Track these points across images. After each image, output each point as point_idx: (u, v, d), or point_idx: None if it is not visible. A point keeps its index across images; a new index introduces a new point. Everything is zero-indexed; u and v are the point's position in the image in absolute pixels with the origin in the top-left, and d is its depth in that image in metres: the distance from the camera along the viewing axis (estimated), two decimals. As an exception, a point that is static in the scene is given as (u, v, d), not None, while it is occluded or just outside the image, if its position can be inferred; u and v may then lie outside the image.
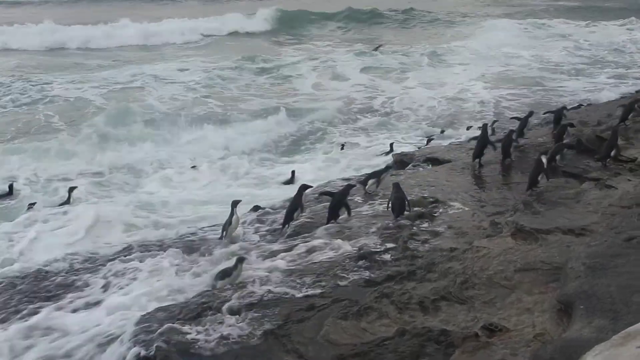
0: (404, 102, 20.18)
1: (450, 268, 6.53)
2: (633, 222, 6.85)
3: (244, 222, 9.28)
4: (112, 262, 8.42)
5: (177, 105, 19.68)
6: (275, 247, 8.05)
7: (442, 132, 16.28)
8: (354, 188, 9.23)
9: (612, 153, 9.73)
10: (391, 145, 15.10)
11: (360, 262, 6.99)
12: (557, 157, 9.89)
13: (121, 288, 7.71)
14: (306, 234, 8.32)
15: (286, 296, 6.40)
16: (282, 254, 7.60)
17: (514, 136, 10.82)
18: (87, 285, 7.87)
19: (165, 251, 8.58)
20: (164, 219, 11.17)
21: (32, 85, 21.36)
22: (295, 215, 8.71)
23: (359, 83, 22.89)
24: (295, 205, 8.73)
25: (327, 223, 8.51)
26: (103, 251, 9.20)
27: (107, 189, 13.21)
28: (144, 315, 6.41)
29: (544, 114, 14.30)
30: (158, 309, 6.58)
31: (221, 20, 34.53)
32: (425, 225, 8.04)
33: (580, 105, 16.24)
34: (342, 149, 15.67)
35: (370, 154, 15.14)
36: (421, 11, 38.48)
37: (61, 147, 15.54)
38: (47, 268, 8.52)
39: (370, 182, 9.58)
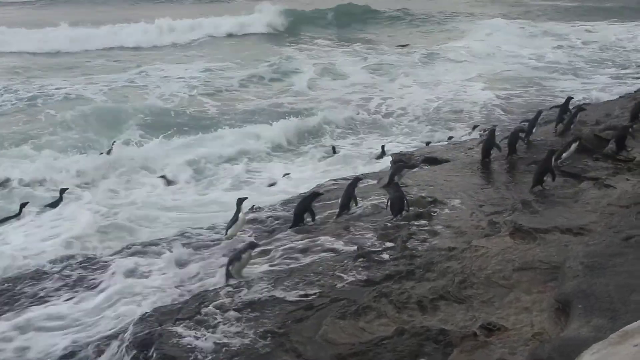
0: (400, 102, 20.16)
1: (448, 267, 6.54)
2: (631, 222, 6.86)
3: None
4: (110, 261, 8.43)
5: (172, 106, 19.66)
6: (274, 245, 8.05)
7: (450, 138, 16.08)
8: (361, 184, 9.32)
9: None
10: (382, 147, 15.10)
11: (359, 262, 6.99)
12: (564, 155, 9.95)
13: (120, 286, 7.72)
14: (305, 233, 8.32)
15: (285, 296, 6.40)
16: (281, 253, 7.60)
17: (522, 135, 10.98)
18: (84, 284, 7.88)
19: (162, 251, 8.59)
20: (161, 219, 11.18)
21: (34, 87, 21.34)
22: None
23: (357, 82, 22.91)
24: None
25: (292, 227, 8.67)
26: (99, 251, 9.22)
27: (102, 189, 13.15)
28: (143, 315, 6.41)
29: (551, 108, 14.33)
30: (157, 309, 6.59)
31: (219, 21, 34.45)
32: (424, 224, 8.04)
33: (569, 98, 16.18)
34: (334, 152, 15.58)
35: (366, 156, 15.14)
36: (416, 10, 38.38)
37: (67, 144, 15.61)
38: (44, 268, 8.53)
39: (396, 178, 9.69)
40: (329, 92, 21.68)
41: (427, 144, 15.05)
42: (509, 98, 20.27)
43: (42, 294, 7.72)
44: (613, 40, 30.78)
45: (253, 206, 10.67)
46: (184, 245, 8.77)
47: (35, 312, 7.21)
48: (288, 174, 13.93)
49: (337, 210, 8.88)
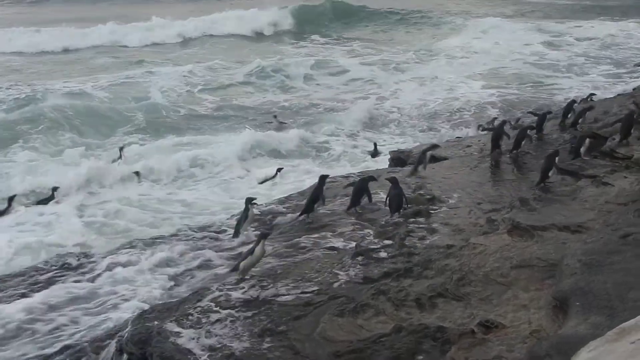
0: (395, 102, 20.14)
1: (446, 265, 6.54)
2: (629, 219, 6.86)
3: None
4: (109, 257, 8.44)
5: (170, 105, 19.63)
6: (272, 243, 8.04)
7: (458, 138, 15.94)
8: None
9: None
10: (375, 145, 15.07)
11: (357, 259, 6.99)
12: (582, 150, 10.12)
13: (117, 284, 7.72)
14: (303, 232, 8.32)
15: (282, 293, 6.40)
16: (279, 251, 7.60)
17: (529, 132, 11.14)
18: (79, 283, 7.88)
19: (160, 248, 8.60)
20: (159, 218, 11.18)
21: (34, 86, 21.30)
22: (316, 205, 8.70)
23: (353, 80, 22.88)
24: (317, 195, 8.70)
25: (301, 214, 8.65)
26: (95, 249, 9.21)
27: (98, 188, 13.12)
28: (141, 313, 6.41)
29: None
30: (155, 306, 6.59)
31: (217, 20, 34.34)
32: (422, 222, 8.03)
33: (592, 94, 16.22)
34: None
35: (359, 155, 15.14)
36: (409, 9, 38.32)
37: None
38: (40, 265, 8.53)
39: (420, 167, 9.88)
40: (326, 91, 21.63)
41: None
42: (506, 95, 20.26)
43: (37, 292, 7.71)
44: (610, 38, 30.76)
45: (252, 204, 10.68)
46: (180, 242, 8.78)
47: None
48: (282, 168, 13.85)
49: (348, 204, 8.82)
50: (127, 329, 6.11)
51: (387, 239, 7.56)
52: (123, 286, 7.69)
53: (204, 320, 5.97)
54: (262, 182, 13.24)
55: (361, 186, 8.82)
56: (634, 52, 27.61)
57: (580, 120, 11.92)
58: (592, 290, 5.27)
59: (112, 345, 6.10)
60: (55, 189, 12.16)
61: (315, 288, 6.44)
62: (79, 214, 11.33)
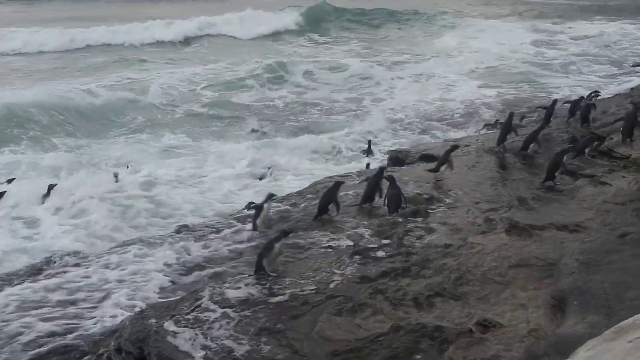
0: (393, 101, 20.12)
1: (444, 264, 6.54)
2: (627, 219, 6.88)
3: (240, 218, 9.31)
4: (108, 256, 8.44)
5: (170, 105, 19.61)
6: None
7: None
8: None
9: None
10: (369, 142, 15.05)
11: (355, 258, 6.99)
12: (587, 150, 10.16)
13: (119, 283, 7.72)
14: (301, 231, 8.31)
15: (281, 292, 6.40)
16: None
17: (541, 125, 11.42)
18: (77, 282, 7.86)
19: (160, 245, 8.59)
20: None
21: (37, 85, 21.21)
22: (329, 207, 8.64)
23: (353, 79, 22.87)
24: (330, 199, 8.64)
25: (315, 218, 8.57)
26: (95, 247, 9.20)
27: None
28: (140, 312, 6.41)
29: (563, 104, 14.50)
30: (153, 305, 6.59)
31: (218, 22, 34.26)
32: (420, 221, 8.04)
33: (596, 92, 16.27)
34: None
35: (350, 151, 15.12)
36: (402, 8, 38.28)
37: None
38: (37, 264, 8.53)
39: (442, 168, 9.85)
40: (323, 92, 21.57)
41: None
42: (503, 95, 20.27)
43: (35, 291, 7.70)
44: (607, 38, 30.78)
45: (250, 203, 10.67)
46: (179, 241, 8.77)
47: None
48: (270, 167, 13.83)
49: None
50: (125, 328, 6.11)
51: (385, 238, 7.57)
52: (121, 285, 7.67)
53: (201, 319, 5.96)
54: (260, 179, 13.24)
55: (376, 181, 8.83)
56: (630, 52, 27.63)
57: (590, 117, 12.09)
58: (590, 289, 5.27)
59: (111, 345, 6.09)
60: (52, 186, 12.06)
61: (313, 287, 6.44)
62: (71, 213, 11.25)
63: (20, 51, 28.71)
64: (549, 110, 12.36)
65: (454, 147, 10.13)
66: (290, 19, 34.89)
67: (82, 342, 6.48)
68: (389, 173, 9.35)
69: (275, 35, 33.13)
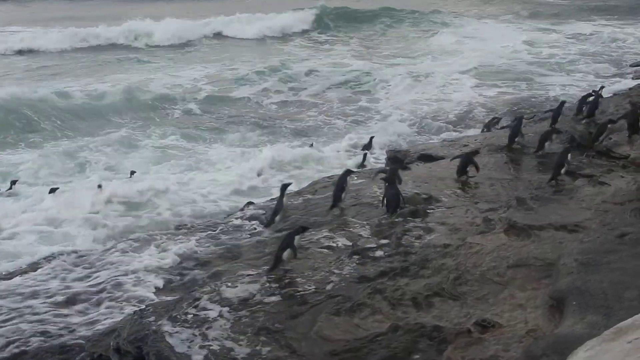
0: (391, 101, 20.10)
1: (443, 264, 6.54)
2: (626, 219, 6.88)
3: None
4: (107, 256, 8.43)
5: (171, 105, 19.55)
6: (269, 242, 8.04)
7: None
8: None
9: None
10: (371, 139, 15.03)
11: (354, 258, 6.99)
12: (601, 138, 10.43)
13: (117, 283, 7.72)
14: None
15: (279, 292, 6.40)
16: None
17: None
18: (76, 281, 7.86)
19: (157, 245, 8.60)
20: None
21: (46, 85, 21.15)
22: (342, 195, 8.79)
23: (352, 80, 22.84)
24: (342, 186, 8.80)
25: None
26: (93, 248, 9.19)
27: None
28: (138, 312, 6.40)
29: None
30: (152, 304, 6.58)
31: (223, 23, 34.14)
32: (419, 221, 8.03)
33: (602, 87, 16.30)
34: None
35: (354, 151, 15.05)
36: (398, 7, 38.20)
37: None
38: (36, 263, 8.52)
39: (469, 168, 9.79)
40: (324, 92, 21.53)
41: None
42: (501, 95, 20.26)
43: (35, 290, 7.70)
44: (605, 38, 30.79)
45: (248, 203, 10.67)
46: (178, 240, 8.77)
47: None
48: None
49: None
50: (123, 328, 6.10)
51: (383, 238, 7.56)
52: (120, 285, 7.67)
53: (200, 319, 5.95)
54: (259, 175, 13.22)
55: (393, 173, 8.86)
56: (628, 51, 27.63)
57: (596, 112, 12.22)
58: (588, 289, 5.27)
59: (109, 344, 6.08)
60: (53, 190, 11.84)
61: (312, 287, 6.44)
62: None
63: (20, 51, 28.60)
64: (557, 110, 12.43)
65: (475, 152, 10.15)
66: (290, 20, 34.82)
67: (81, 342, 6.47)
68: (385, 173, 9.37)
69: (276, 37, 33.02)
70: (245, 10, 35.28)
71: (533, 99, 19.18)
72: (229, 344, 5.56)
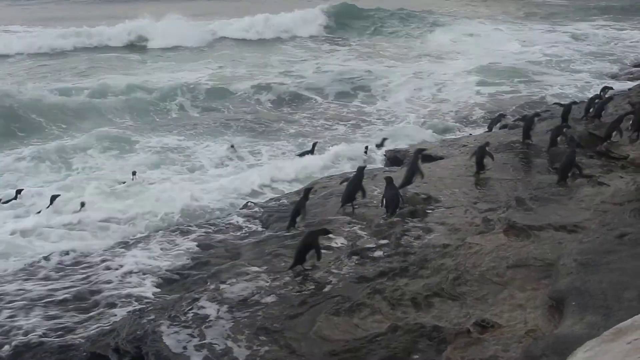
0: (390, 101, 20.07)
1: (442, 264, 6.54)
2: (625, 219, 6.88)
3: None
4: (106, 255, 8.43)
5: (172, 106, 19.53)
6: (268, 242, 8.04)
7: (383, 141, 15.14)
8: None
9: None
10: (383, 139, 14.98)
11: (353, 258, 6.99)
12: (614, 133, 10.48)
13: (116, 283, 7.71)
14: (297, 231, 8.31)
15: (278, 292, 6.39)
16: (275, 250, 7.58)
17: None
18: (77, 280, 7.86)
19: (157, 244, 8.57)
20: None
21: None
22: (357, 195, 8.80)
23: (352, 79, 22.81)
24: (357, 186, 8.79)
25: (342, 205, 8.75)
26: (92, 248, 9.18)
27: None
28: (137, 311, 6.40)
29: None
30: (151, 304, 6.58)
31: (224, 26, 34.05)
32: (418, 221, 8.03)
33: (606, 87, 16.35)
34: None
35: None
36: (393, 7, 38.21)
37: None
38: (36, 263, 8.50)
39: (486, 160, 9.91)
40: (323, 93, 21.50)
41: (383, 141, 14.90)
42: (499, 94, 20.27)
43: (34, 290, 7.68)
44: (603, 39, 30.81)
45: (247, 203, 10.68)
46: (177, 240, 8.76)
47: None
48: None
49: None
50: (122, 328, 6.09)
51: (383, 238, 7.56)
52: (119, 284, 7.66)
53: (199, 319, 5.95)
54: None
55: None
56: (627, 52, 27.64)
57: (602, 113, 12.30)
58: (588, 289, 5.27)
59: (108, 344, 6.07)
60: (54, 197, 11.34)
61: (311, 287, 6.44)
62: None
63: (21, 50, 28.54)
64: (567, 107, 12.57)
65: (487, 144, 10.31)
66: (290, 20, 34.79)
67: (80, 342, 6.46)
68: (387, 174, 9.37)
69: (276, 38, 32.98)
70: (245, 12, 35.24)
71: (533, 97, 19.22)
72: (228, 344, 5.56)
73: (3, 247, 9.21)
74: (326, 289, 6.35)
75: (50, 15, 37.16)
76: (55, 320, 6.96)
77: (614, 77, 22.40)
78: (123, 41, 30.60)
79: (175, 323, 5.90)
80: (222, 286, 6.62)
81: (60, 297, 7.46)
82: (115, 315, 6.94)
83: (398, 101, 19.94)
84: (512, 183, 9.39)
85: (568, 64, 24.81)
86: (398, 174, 9.81)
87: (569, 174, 8.99)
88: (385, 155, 13.48)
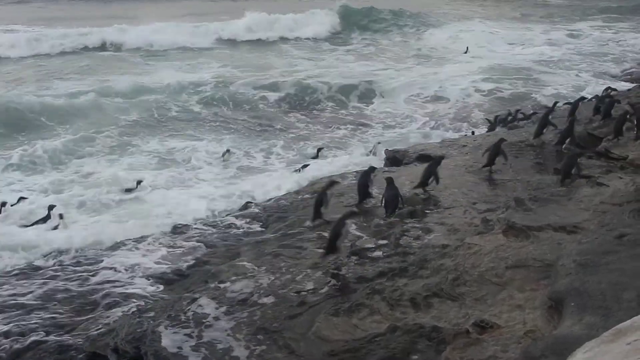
0: (390, 100, 20.09)
1: (441, 265, 6.53)
2: (624, 220, 6.87)
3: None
4: (105, 255, 8.43)
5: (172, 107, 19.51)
6: (268, 242, 8.03)
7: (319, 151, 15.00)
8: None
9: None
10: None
11: (352, 259, 6.99)
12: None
13: (116, 282, 7.72)
14: (297, 231, 8.31)
15: (278, 292, 6.39)
16: (275, 250, 7.58)
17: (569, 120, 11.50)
18: (76, 281, 7.86)
19: (156, 245, 8.56)
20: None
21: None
22: (371, 191, 8.93)
23: (352, 80, 22.81)
24: (368, 182, 8.92)
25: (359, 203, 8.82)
26: (92, 248, 9.18)
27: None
28: (137, 312, 6.40)
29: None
30: (150, 304, 6.57)
31: (225, 27, 34.03)
32: (417, 221, 8.03)
33: (609, 88, 16.36)
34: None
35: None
36: (389, 8, 38.21)
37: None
38: (36, 263, 8.50)
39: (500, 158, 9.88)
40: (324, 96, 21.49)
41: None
42: (498, 93, 20.30)
43: (32, 290, 7.68)
44: (603, 39, 30.86)
45: (247, 203, 10.68)
46: (176, 240, 8.76)
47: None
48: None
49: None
50: (121, 328, 6.09)
51: (382, 238, 7.56)
52: (118, 284, 7.66)
53: (198, 319, 5.95)
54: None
55: (432, 168, 9.02)
56: (627, 52, 27.67)
57: (612, 112, 12.23)
58: (587, 290, 5.26)
59: (107, 344, 6.07)
60: (51, 207, 11.00)
61: (311, 287, 6.44)
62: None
63: (20, 51, 28.50)
64: (574, 104, 12.61)
65: (502, 140, 10.23)
66: (291, 23, 34.76)
67: (79, 341, 6.46)
68: (386, 174, 9.37)
69: (276, 39, 32.95)
70: (245, 13, 35.22)
71: (533, 95, 19.24)
72: (226, 343, 5.56)
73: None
74: (325, 289, 6.35)
75: (51, 15, 37.14)
76: (55, 320, 6.96)
77: (614, 77, 22.42)
78: (123, 41, 30.53)
79: (174, 323, 5.90)
80: (222, 286, 6.62)
81: (60, 297, 7.47)
82: (115, 315, 6.93)
83: (398, 102, 19.96)
84: (511, 183, 9.38)
85: (567, 64, 24.85)
86: (398, 174, 9.82)
87: (572, 175, 8.97)
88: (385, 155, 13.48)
